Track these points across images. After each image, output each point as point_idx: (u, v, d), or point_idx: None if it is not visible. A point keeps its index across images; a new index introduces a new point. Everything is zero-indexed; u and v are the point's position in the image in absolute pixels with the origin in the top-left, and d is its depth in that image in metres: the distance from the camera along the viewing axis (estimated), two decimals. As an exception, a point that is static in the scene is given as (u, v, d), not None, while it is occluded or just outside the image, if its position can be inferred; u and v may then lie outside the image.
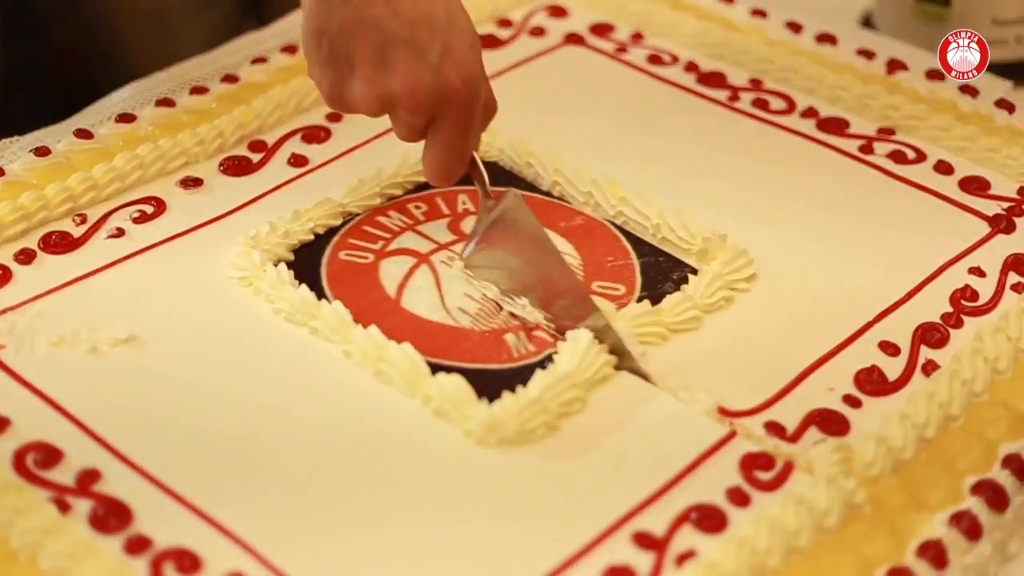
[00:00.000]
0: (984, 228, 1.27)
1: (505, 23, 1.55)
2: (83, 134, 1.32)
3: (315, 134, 1.36)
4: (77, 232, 1.23)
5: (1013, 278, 1.22)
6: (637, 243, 1.24)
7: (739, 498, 1.01)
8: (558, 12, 1.57)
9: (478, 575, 0.96)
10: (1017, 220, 1.28)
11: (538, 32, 1.54)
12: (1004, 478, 1.03)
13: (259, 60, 1.43)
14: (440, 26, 1.10)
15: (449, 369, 1.09)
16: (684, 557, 0.97)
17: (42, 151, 1.29)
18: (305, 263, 1.20)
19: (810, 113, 1.41)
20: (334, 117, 1.37)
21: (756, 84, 1.46)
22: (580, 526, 0.99)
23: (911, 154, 1.36)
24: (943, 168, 1.34)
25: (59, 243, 1.21)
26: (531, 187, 1.30)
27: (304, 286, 1.16)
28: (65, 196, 1.24)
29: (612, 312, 1.13)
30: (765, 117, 1.41)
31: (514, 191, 1.20)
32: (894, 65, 1.47)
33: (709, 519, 0.99)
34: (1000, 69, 1.46)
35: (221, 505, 0.99)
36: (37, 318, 1.14)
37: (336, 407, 1.08)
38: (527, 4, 1.57)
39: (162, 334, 1.13)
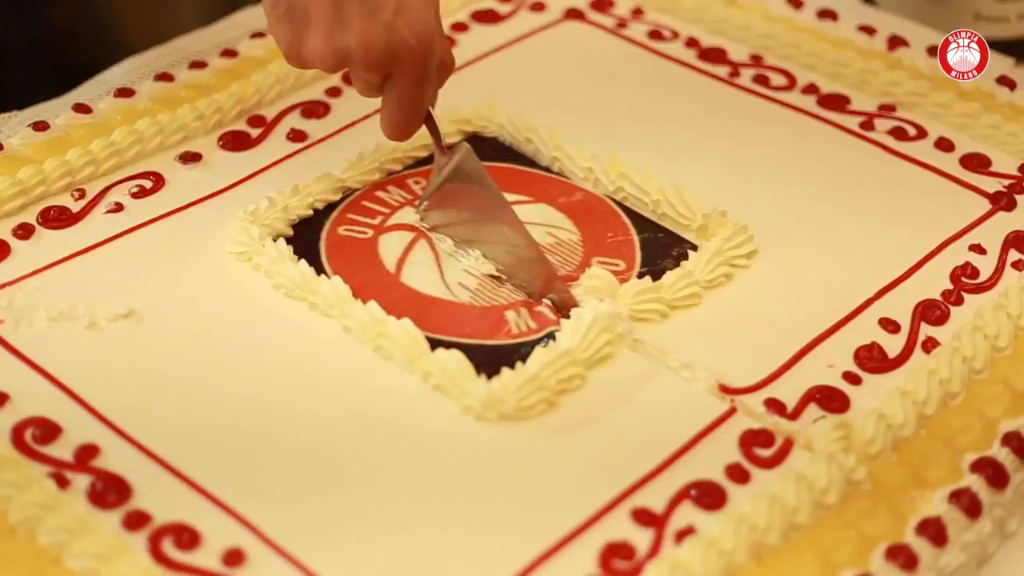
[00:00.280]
0: (985, 205, 1.27)
1: (505, -2, 1.55)
2: (82, 109, 1.31)
3: (314, 109, 1.35)
4: (76, 207, 1.23)
5: (1014, 255, 1.21)
6: (637, 219, 1.24)
7: (739, 475, 1.01)
8: (558, -13, 1.57)
9: (476, 551, 0.96)
10: (1018, 197, 1.28)
11: (538, 7, 1.53)
12: (1004, 456, 1.03)
13: (258, 35, 1.43)
14: None
15: (449, 345, 1.09)
16: (683, 534, 0.97)
17: (41, 126, 1.29)
18: (304, 238, 1.20)
19: (811, 89, 1.41)
20: (333, 92, 1.36)
21: (757, 60, 1.46)
22: (579, 502, 0.99)
23: (912, 131, 1.36)
24: (944, 145, 1.34)
25: (58, 218, 1.21)
26: (531, 163, 1.30)
27: (303, 261, 1.15)
28: (64, 171, 1.23)
29: (614, 287, 1.13)
30: (766, 93, 1.41)
31: (465, 145, 1.21)
32: (895, 41, 1.46)
33: (708, 496, 0.99)
34: (1002, 46, 1.45)
35: (220, 481, 0.99)
36: (36, 293, 1.14)
37: (335, 382, 1.08)
38: (528, -21, 1.57)
39: (161, 309, 1.13)
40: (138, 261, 1.18)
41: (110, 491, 0.98)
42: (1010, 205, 1.27)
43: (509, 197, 1.24)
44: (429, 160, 1.27)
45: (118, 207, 1.23)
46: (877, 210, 1.26)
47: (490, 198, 1.19)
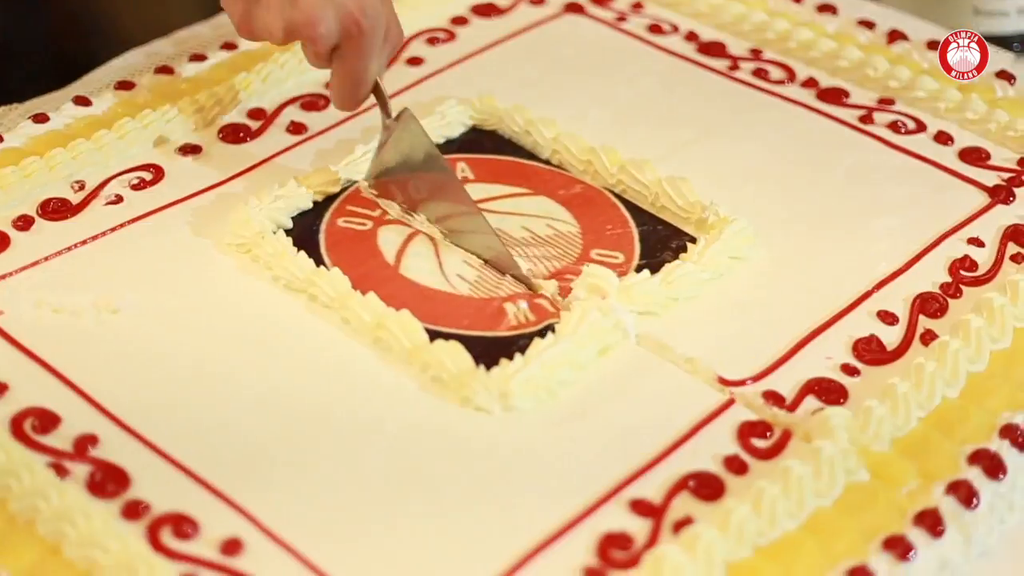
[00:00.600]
0: (984, 199, 1.27)
1: (505, -9, 1.55)
2: (82, 101, 1.31)
3: (314, 102, 1.36)
4: (76, 199, 1.23)
5: (1012, 248, 1.21)
6: (636, 211, 1.24)
7: (737, 466, 1.01)
8: (558, -19, 1.57)
9: (473, 541, 0.96)
10: (1017, 191, 1.28)
11: (538, 1, 1.53)
12: (1002, 448, 1.03)
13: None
14: None
15: (447, 336, 1.09)
16: (681, 524, 0.97)
17: (41, 118, 1.29)
18: (304, 230, 1.20)
19: (810, 83, 1.41)
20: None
21: (756, 54, 1.46)
22: (577, 493, 0.99)
23: (911, 124, 1.36)
24: (943, 138, 1.34)
25: (58, 209, 1.21)
26: (530, 155, 1.30)
27: (303, 253, 1.15)
28: (64, 163, 1.24)
29: (612, 280, 1.13)
30: (765, 87, 1.41)
31: (408, 111, 1.22)
32: (894, 35, 1.46)
33: (706, 487, 1.00)
34: (1001, 41, 1.45)
35: (218, 470, 0.99)
36: (36, 284, 1.14)
37: (334, 373, 1.08)
38: (527, -27, 1.57)
39: (160, 300, 1.13)
40: (138, 252, 1.18)
41: (109, 480, 0.98)
42: (1009, 198, 1.27)
43: (508, 189, 1.25)
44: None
45: (118, 199, 1.23)
46: (876, 203, 1.26)
47: (433, 164, 1.22)
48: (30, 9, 1.66)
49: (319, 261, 1.16)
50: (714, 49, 1.46)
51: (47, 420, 1.02)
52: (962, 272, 1.19)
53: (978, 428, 1.05)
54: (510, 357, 1.07)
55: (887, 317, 1.14)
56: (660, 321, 1.13)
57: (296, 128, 1.32)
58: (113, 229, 1.20)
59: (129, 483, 0.98)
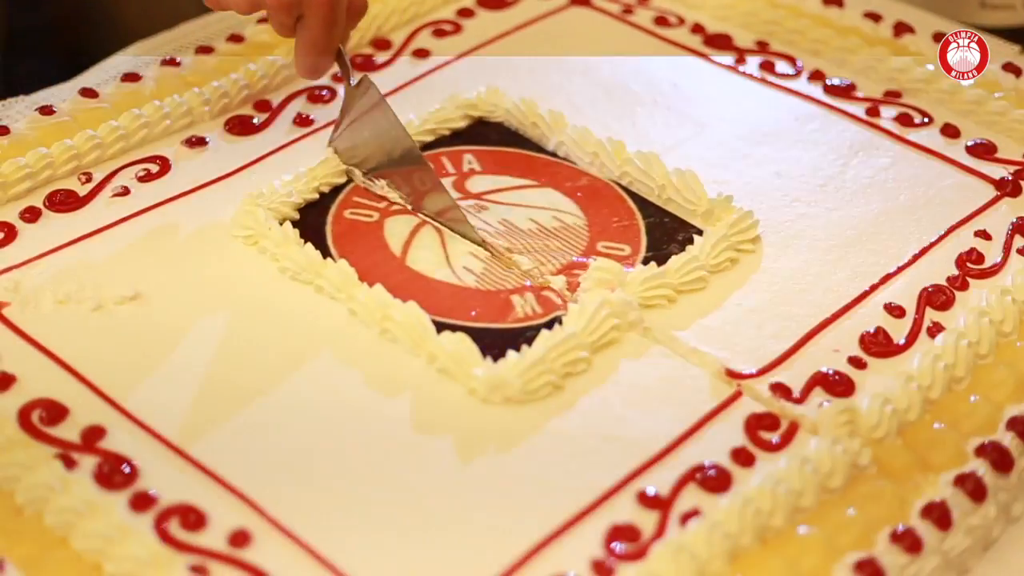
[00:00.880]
0: (991, 192, 1.27)
1: (512, -16, 1.55)
2: (88, 93, 1.31)
3: (320, 95, 1.36)
4: (82, 191, 1.23)
5: (1019, 241, 1.22)
6: (642, 204, 1.24)
7: (744, 458, 1.01)
8: (565, -27, 1.57)
9: (480, 533, 0.96)
10: (1024, 184, 1.28)
11: (544, -7, 1.54)
12: (1009, 440, 1.03)
13: (264, 20, 1.43)
14: None
15: (454, 328, 1.09)
16: (688, 516, 0.97)
17: (47, 110, 1.29)
18: (310, 222, 1.20)
19: (817, 76, 1.41)
20: (338, 78, 1.36)
21: (763, 46, 1.45)
22: (584, 485, 0.99)
23: (918, 117, 1.36)
24: (950, 132, 1.34)
25: (64, 201, 1.21)
26: (537, 147, 1.30)
27: (309, 244, 1.16)
28: (70, 155, 1.24)
29: (620, 274, 1.13)
30: (771, 79, 1.41)
31: (367, 77, 1.26)
32: (901, 28, 1.46)
33: (714, 479, 1.00)
34: (1008, 34, 1.45)
35: (226, 462, 0.99)
36: (43, 276, 1.14)
37: (341, 365, 1.09)
38: (535, -36, 1.57)
39: (167, 292, 1.13)
40: (144, 244, 1.18)
41: (116, 472, 0.98)
42: (1016, 191, 1.27)
43: (515, 181, 1.25)
44: (436, 144, 1.29)
45: (124, 191, 1.23)
46: (883, 196, 1.26)
47: (392, 129, 1.24)
48: (37, 2, 1.67)
49: (326, 253, 1.16)
50: (720, 42, 1.46)
51: (55, 412, 1.02)
52: (969, 265, 1.19)
53: (985, 421, 1.05)
54: (517, 349, 1.07)
55: (894, 310, 1.14)
56: (667, 313, 1.13)
57: (302, 121, 1.33)
58: (120, 221, 1.20)
59: (137, 475, 0.98)
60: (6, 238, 1.18)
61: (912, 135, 1.34)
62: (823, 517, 0.97)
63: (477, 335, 1.08)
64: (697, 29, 1.48)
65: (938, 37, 1.43)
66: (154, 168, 1.26)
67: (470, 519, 0.97)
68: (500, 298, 1.14)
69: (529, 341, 1.08)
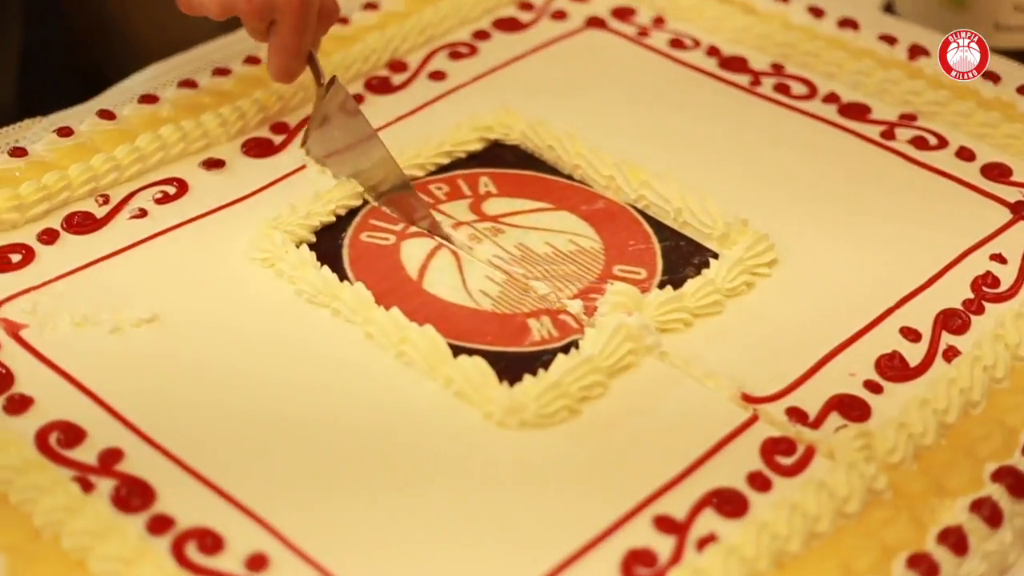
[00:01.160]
0: (1006, 215, 1.27)
1: (527, 6, 1.55)
2: (106, 115, 1.32)
3: (336, 116, 1.36)
4: (100, 213, 1.23)
5: (1035, 265, 1.22)
6: (658, 227, 1.24)
7: (760, 483, 1.01)
8: (580, -4, 1.57)
9: (497, 558, 0.96)
10: (1039, 207, 1.28)
11: (560, 15, 1.54)
12: (1026, 465, 1.03)
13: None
14: None
15: (471, 352, 1.09)
16: (705, 541, 0.97)
17: (65, 131, 1.29)
18: (327, 244, 1.20)
19: (832, 98, 1.41)
20: (356, 99, 1.37)
21: (778, 69, 1.46)
22: (601, 510, 0.99)
23: (933, 140, 1.36)
24: (965, 154, 1.34)
25: (82, 223, 1.22)
26: (552, 170, 1.31)
27: (326, 267, 1.16)
28: (88, 176, 1.24)
29: (637, 298, 1.13)
30: (786, 102, 1.41)
31: (336, 78, 1.29)
32: (916, 51, 1.46)
33: (730, 504, 0.99)
34: (1022, 56, 1.45)
35: (243, 485, 0.99)
36: (60, 298, 1.14)
37: (357, 388, 1.09)
38: (549, -13, 1.58)
39: (184, 314, 1.14)
40: (162, 266, 1.19)
41: (134, 495, 0.98)
42: (1031, 215, 1.27)
43: (531, 204, 1.25)
44: (452, 167, 1.30)
45: (142, 213, 1.23)
46: (898, 219, 1.27)
47: (362, 130, 1.27)
48: (54, 23, 1.67)
49: (342, 276, 1.16)
50: (735, 64, 1.47)
51: (72, 434, 1.02)
52: (984, 288, 1.19)
53: (1001, 445, 1.05)
54: (534, 373, 1.07)
55: (910, 333, 1.14)
56: (683, 337, 1.13)
57: (319, 142, 1.33)
58: (137, 243, 1.20)
59: (154, 498, 0.98)
60: (24, 260, 1.18)
61: (927, 158, 1.34)
62: (839, 542, 0.97)
63: (493, 359, 1.08)
64: (712, 52, 1.48)
65: (953, 60, 1.44)
66: (171, 190, 1.26)
67: (487, 543, 0.97)
68: (517, 321, 1.14)
69: (546, 365, 1.08)
